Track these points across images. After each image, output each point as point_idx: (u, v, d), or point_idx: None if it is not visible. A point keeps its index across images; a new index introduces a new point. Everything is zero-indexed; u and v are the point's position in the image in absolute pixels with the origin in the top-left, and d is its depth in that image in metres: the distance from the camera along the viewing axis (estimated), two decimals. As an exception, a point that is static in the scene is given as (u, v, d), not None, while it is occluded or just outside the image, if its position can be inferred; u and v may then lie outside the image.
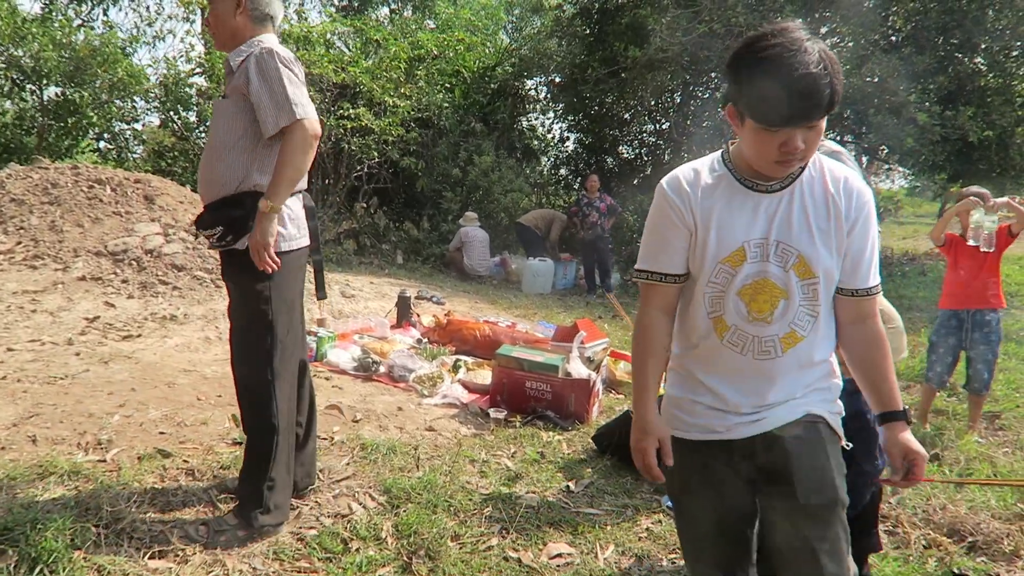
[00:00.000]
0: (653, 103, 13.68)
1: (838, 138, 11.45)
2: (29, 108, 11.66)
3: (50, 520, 2.28)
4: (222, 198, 2.33)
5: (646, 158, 15.17)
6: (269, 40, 2.36)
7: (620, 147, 15.13)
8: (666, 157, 14.58)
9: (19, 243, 5.76)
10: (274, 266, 2.30)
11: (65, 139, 11.82)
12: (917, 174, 14.32)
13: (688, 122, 13.67)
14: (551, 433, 3.75)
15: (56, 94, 11.53)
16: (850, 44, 10.90)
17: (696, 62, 11.51)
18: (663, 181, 1.56)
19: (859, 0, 10.23)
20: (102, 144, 12.90)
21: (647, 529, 2.78)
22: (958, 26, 10.26)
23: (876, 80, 10.60)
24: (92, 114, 11.62)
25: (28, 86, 11.36)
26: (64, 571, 2.09)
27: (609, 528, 2.77)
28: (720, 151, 1.58)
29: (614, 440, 3.41)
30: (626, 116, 14.16)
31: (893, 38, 10.52)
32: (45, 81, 11.16)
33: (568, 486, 3.14)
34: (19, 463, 2.78)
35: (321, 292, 2.77)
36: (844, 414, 1.61)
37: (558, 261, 10.17)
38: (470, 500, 2.88)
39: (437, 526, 2.60)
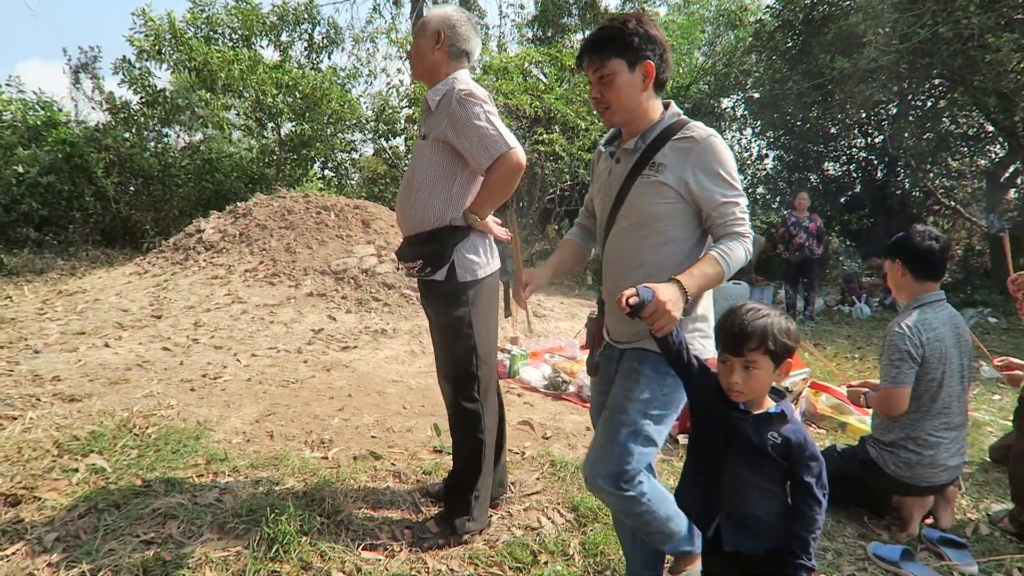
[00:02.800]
0: (864, 115, 12.70)
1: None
2: (269, 143, 13.39)
3: (284, 507, 2.61)
4: (419, 233, 2.52)
5: (855, 175, 14.08)
6: (463, 77, 2.50)
7: (825, 163, 14.20)
8: (879, 173, 13.45)
9: (261, 263, 6.65)
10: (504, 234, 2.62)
11: (297, 170, 13.43)
12: None
13: (906, 134, 12.51)
14: (743, 465, 3.60)
15: (291, 130, 13.16)
16: None
17: (915, 69, 10.53)
18: None
19: None
20: (326, 172, 14.49)
21: (850, 576, 2.59)
22: None
23: None
24: (320, 146, 13.11)
25: (269, 124, 13.08)
26: (295, 552, 2.39)
27: (807, 571, 2.61)
28: None
29: (813, 478, 3.21)
30: (832, 130, 13.26)
31: None
32: (281, 119, 12.79)
33: (761, 522, 3.00)
34: (260, 454, 3.22)
35: (506, 311, 2.90)
36: None
37: (753, 285, 9.71)
38: (657, 526, 2.86)
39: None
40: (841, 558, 2.73)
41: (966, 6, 9.10)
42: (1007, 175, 11.91)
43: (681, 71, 14.12)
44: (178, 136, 13.71)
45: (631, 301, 1.77)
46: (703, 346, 2.05)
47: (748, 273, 9.98)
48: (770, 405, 1.78)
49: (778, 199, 14.26)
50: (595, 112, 11.42)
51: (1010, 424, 4.61)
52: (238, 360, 4.68)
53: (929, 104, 12.48)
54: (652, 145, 1.99)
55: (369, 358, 5.02)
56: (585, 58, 2.02)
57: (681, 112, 2.04)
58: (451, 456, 2.78)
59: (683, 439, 3.86)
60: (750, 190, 14.68)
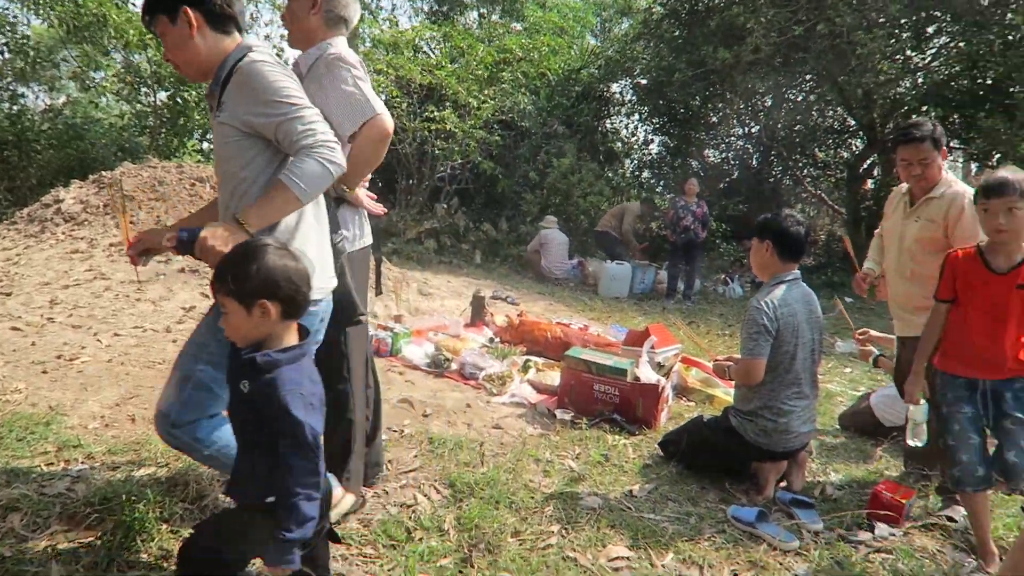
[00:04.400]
0: (742, 106, 13.35)
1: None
2: (144, 111, 12.49)
3: (143, 494, 2.47)
4: None
5: (733, 162, 14.81)
6: (338, 44, 2.41)
7: (706, 151, 14.85)
8: (754, 162, 14.20)
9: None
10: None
11: (174, 139, 12.60)
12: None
13: (779, 126, 13.26)
14: (617, 437, 3.75)
15: (168, 97, 12.31)
16: (960, 44, 10.29)
17: (789, 64, 11.16)
18: None
19: (971, -2, 9.61)
20: (205, 144, 13.70)
21: (709, 538, 2.74)
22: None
23: (988, 82, 9.96)
24: (197, 115, 12.36)
25: (144, 90, 12.19)
26: (154, 541, 2.26)
27: (670, 535, 2.75)
28: None
29: (681, 447, 3.38)
30: (713, 119, 13.87)
31: (1010, 36, 9.81)
32: (159, 85, 11.95)
33: (631, 490, 3.13)
34: (119, 440, 3.03)
35: (377, 288, 2.84)
36: None
37: (637, 260, 10.03)
38: (532, 498, 2.92)
39: (498, 521, 2.66)
40: (703, 521, 2.90)
41: (836, 4, 9.69)
42: (865, 167, 12.88)
43: (572, 54, 14.30)
44: (37, 98, 12.55)
45: (167, 244, 1.84)
46: None
47: (629, 243, 10.33)
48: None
49: (662, 183, 14.80)
50: (487, 92, 11.44)
51: (859, 394, 5.04)
52: (99, 340, 4.37)
53: (800, 98, 13.28)
54: (223, 85, 1.93)
55: (245, 337, 4.82)
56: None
57: (252, 45, 1.97)
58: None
59: (560, 414, 3.97)
60: (636, 173, 15.11)
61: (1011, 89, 9.40)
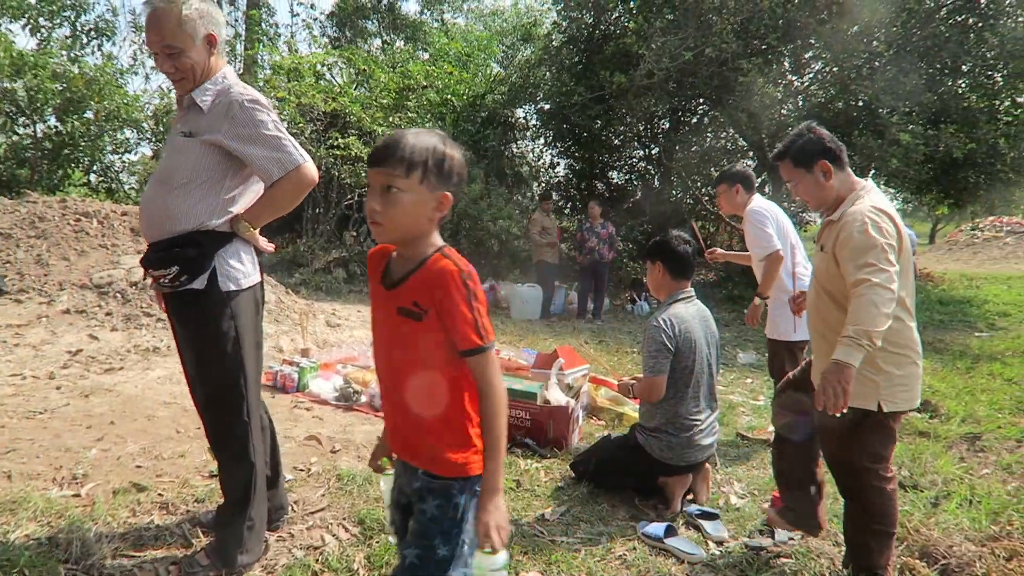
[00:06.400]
0: (642, 128, 13.85)
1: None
2: (23, 141, 11.73)
3: (17, 557, 2.28)
4: (174, 237, 2.26)
5: (636, 183, 15.29)
6: (233, 76, 2.34)
7: (610, 172, 15.28)
8: (656, 183, 14.72)
9: (5, 277, 5.79)
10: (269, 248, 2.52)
11: (57, 172, 11.90)
12: (902, 192, 14.42)
13: (677, 147, 13.83)
14: (529, 461, 3.75)
15: (49, 127, 11.64)
16: (834, 69, 11.10)
17: (683, 87, 11.68)
18: None
19: (841, 27, 10.43)
20: (92, 177, 12.99)
21: (620, 557, 2.78)
22: (941, 49, 10.46)
23: (860, 103, 10.77)
24: (84, 145, 11.72)
25: (22, 119, 11.47)
26: (30, 609, 2.09)
27: (583, 556, 2.76)
28: None
29: (591, 467, 3.42)
30: (616, 142, 14.31)
31: (876, 63, 10.70)
32: (39, 115, 11.29)
33: (543, 514, 3.13)
34: (-8, 499, 2.79)
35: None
36: None
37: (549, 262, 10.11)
38: (444, 530, 2.88)
39: (409, 557, 2.60)
40: (614, 540, 2.93)
41: (721, 32, 10.26)
42: (757, 184, 13.58)
43: (477, 81, 14.48)
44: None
45: None
46: None
47: (534, 246, 10.41)
48: None
49: (569, 205, 15.11)
50: (392, 119, 11.40)
51: (759, 404, 5.25)
52: (-30, 391, 4.03)
53: (695, 120, 13.91)
54: None
55: (137, 380, 4.55)
56: None
57: None
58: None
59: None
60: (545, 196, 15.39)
61: (879, 110, 10.20)
